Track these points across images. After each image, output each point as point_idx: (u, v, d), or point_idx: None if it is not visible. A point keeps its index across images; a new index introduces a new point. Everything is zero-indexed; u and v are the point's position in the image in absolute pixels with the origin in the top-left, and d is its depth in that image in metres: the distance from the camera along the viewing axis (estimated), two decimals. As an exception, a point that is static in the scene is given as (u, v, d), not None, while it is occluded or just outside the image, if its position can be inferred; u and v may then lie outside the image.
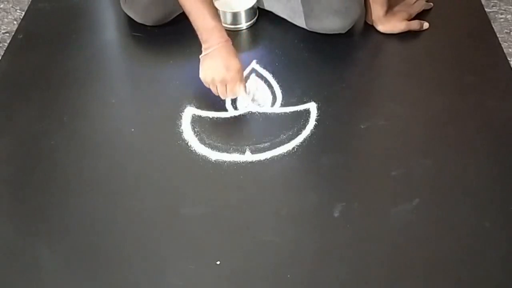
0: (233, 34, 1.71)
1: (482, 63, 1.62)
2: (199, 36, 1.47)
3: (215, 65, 1.45)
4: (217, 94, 1.48)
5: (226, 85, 1.45)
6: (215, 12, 1.48)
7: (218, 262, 1.21)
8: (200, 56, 1.48)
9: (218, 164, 1.38)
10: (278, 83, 1.56)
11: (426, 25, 1.69)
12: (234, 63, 1.45)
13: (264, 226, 1.27)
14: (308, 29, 1.64)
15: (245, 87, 1.48)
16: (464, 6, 1.79)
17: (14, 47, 1.69)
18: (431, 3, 1.75)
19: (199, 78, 1.51)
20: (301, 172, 1.40)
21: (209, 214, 1.29)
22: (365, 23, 1.70)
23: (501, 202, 1.29)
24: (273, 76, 1.58)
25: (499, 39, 1.67)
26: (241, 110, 1.49)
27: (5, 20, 1.82)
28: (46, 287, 1.20)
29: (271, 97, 1.53)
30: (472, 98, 1.52)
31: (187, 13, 1.48)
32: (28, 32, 1.74)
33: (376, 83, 1.59)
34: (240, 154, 1.40)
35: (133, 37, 1.72)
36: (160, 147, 1.43)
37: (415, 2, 1.71)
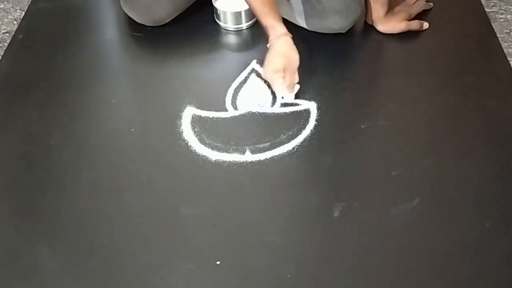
0: (233, 34, 1.71)
1: (482, 63, 1.62)
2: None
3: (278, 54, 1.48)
4: (279, 87, 1.48)
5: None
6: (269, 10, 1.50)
7: (218, 262, 1.21)
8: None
9: (218, 164, 1.38)
10: (278, 83, 1.56)
11: (426, 25, 1.69)
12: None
13: (264, 226, 1.27)
14: (308, 28, 1.64)
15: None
16: (464, 6, 1.79)
17: (14, 47, 1.69)
18: (431, 3, 1.75)
19: (199, 78, 1.51)
20: (301, 172, 1.40)
21: (209, 214, 1.29)
22: (365, 23, 1.70)
23: (501, 202, 1.29)
24: (273, 76, 1.58)
25: (499, 39, 1.67)
26: (241, 110, 1.49)
27: (5, 20, 1.82)
28: (46, 287, 1.20)
29: (271, 97, 1.53)
30: (472, 98, 1.52)
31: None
32: (28, 32, 1.74)
33: (376, 83, 1.60)
34: (240, 154, 1.40)
35: (133, 37, 1.72)
36: (160, 147, 1.43)
37: (415, 2, 1.71)
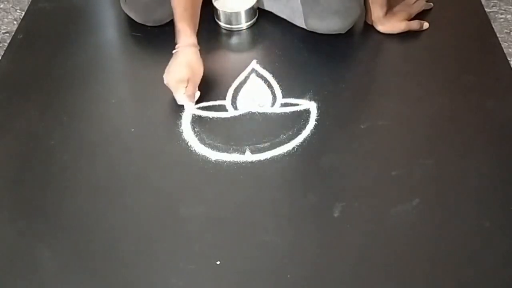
0: (233, 34, 1.71)
1: (482, 63, 1.62)
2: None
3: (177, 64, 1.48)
4: (181, 97, 1.47)
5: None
6: (187, 15, 1.50)
7: (218, 262, 1.21)
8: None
9: (218, 164, 1.38)
10: (278, 83, 1.56)
11: (426, 25, 1.69)
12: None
13: (264, 226, 1.27)
14: (308, 29, 1.64)
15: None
16: (464, 6, 1.79)
17: (14, 47, 1.69)
18: (431, 3, 1.75)
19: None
20: (301, 172, 1.40)
21: (209, 214, 1.29)
22: (365, 23, 1.70)
23: (501, 202, 1.29)
24: (273, 76, 1.58)
25: (499, 39, 1.67)
26: (241, 110, 1.49)
27: (5, 20, 1.82)
28: (46, 287, 1.20)
29: (271, 97, 1.53)
30: (472, 98, 1.52)
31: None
32: (28, 32, 1.74)
33: (376, 83, 1.60)
34: (240, 154, 1.40)
35: (133, 37, 1.72)
36: (160, 147, 1.43)
37: (415, 2, 1.71)
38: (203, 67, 1.50)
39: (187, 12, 1.51)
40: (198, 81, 1.49)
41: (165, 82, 1.49)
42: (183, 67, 1.47)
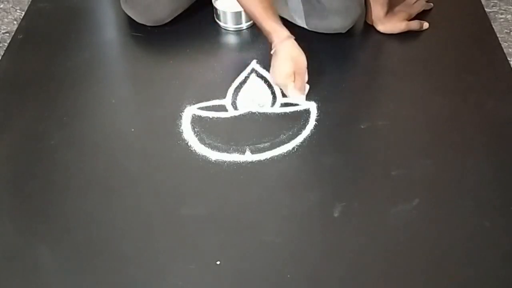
0: (233, 34, 1.72)
1: (482, 63, 1.62)
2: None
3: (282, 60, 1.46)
4: (292, 91, 1.45)
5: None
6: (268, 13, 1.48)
7: (218, 262, 1.21)
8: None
9: (218, 164, 1.38)
10: (278, 83, 1.56)
11: (426, 25, 1.69)
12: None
13: (264, 226, 1.27)
14: (308, 28, 1.65)
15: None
16: (464, 6, 1.79)
17: (14, 47, 1.69)
18: (431, 3, 1.75)
19: (199, 78, 1.50)
20: (301, 172, 1.40)
21: (209, 214, 1.29)
22: (365, 23, 1.70)
23: (501, 202, 1.29)
24: (273, 76, 1.58)
25: (499, 39, 1.67)
26: (241, 110, 1.49)
27: (5, 20, 1.82)
28: (46, 287, 1.20)
29: (271, 97, 1.53)
30: (472, 98, 1.52)
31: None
32: (28, 32, 1.74)
33: (376, 83, 1.60)
34: (240, 154, 1.40)
35: (133, 37, 1.72)
36: (160, 147, 1.43)
37: (415, 2, 1.71)
38: (304, 55, 1.46)
39: (267, 10, 1.47)
40: (304, 71, 1.47)
41: (272, 83, 1.50)
42: (285, 62, 1.45)
